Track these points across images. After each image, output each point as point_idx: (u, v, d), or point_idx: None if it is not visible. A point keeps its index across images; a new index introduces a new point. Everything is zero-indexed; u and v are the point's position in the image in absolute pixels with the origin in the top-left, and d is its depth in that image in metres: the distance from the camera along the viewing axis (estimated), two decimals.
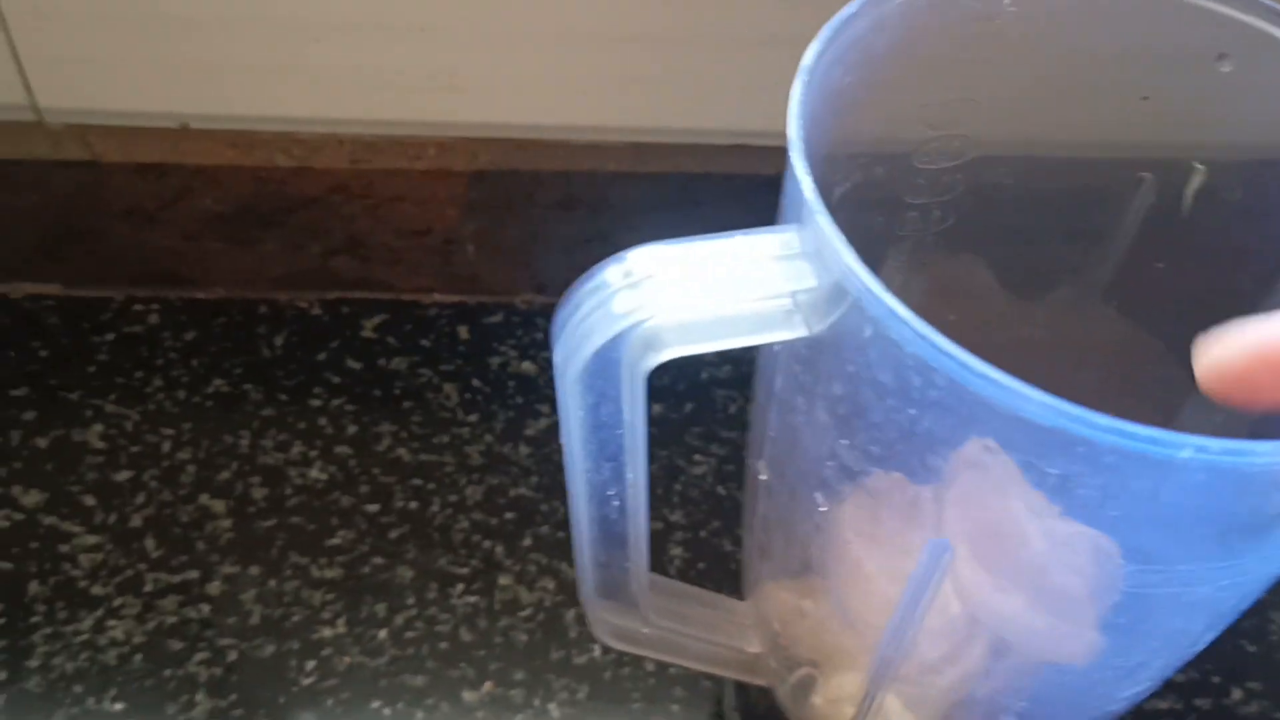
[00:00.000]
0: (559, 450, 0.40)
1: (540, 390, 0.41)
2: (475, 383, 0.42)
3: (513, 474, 0.39)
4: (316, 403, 0.41)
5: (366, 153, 0.39)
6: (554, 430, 0.40)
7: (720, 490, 0.39)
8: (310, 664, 0.35)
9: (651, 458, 0.40)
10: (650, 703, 0.35)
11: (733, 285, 0.20)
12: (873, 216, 0.27)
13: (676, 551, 0.38)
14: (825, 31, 0.21)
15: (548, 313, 0.43)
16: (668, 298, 0.20)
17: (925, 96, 0.25)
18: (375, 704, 0.35)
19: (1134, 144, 0.26)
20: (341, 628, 0.36)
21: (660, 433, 0.40)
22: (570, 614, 0.37)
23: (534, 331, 0.43)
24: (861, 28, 0.22)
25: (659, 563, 0.38)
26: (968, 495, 0.27)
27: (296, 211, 0.41)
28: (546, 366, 0.42)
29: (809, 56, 0.21)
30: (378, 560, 0.37)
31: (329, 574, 0.37)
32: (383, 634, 0.36)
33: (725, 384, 0.42)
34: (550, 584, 0.37)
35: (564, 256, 0.42)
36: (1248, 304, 0.26)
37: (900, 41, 0.23)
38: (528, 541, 0.38)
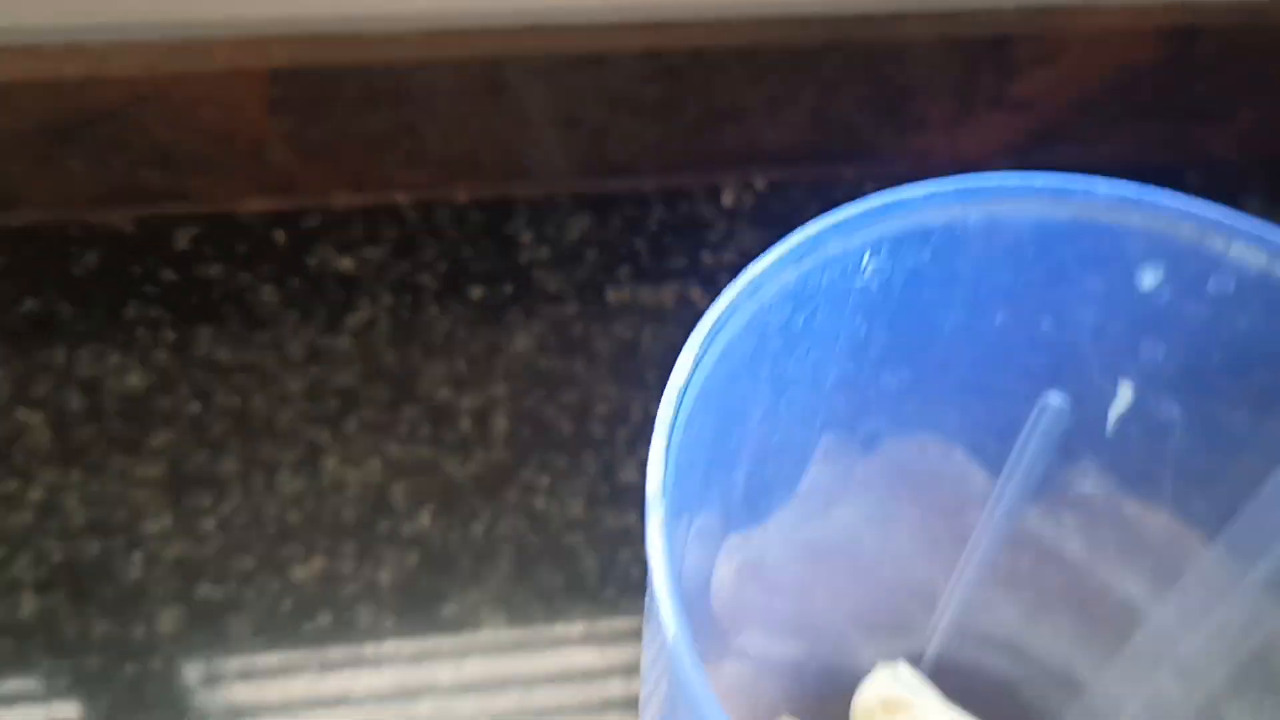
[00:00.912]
0: (380, 339, 0.41)
1: (359, 285, 0.42)
2: (294, 283, 0.42)
3: (335, 364, 0.40)
4: (133, 314, 0.41)
5: (159, 57, 0.39)
6: (373, 322, 0.41)
7: (542, 363, 0.40)
8: (137, 556, 0.35)
9: (472, 337, 0.40)
10: (478, 562, 0.36)
11: None
12: None
13: (501, 423, 0.39)
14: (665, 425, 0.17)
15: (365, 212, 0.44)
16: None
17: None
18: (205, 587, 0.35)
19: (1037, 369, 0.22)
20: (167, 521, 0.36)
21: (480, 314, 0.41)
22: (397, 488, 0.37)
23: (351, 230, 0.43)
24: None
25: (486, 434, 0.38)
26: None
27: (96, 125, 0.40)
28: (365, 263, 0.42)
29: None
30: (201, 456, 0.38)
31: (153, 472, 0.37)
32: (210, 523, 0.36)
33: (544, 265, 0.43)
34: (376, 462, 0.38)
35: (374, 153, 0.43)
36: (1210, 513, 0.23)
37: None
38: (352, 426, 0.39)
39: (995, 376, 0.22)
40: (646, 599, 0.18)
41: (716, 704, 0.13)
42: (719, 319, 0.17)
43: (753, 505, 0.22)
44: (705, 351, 0.17)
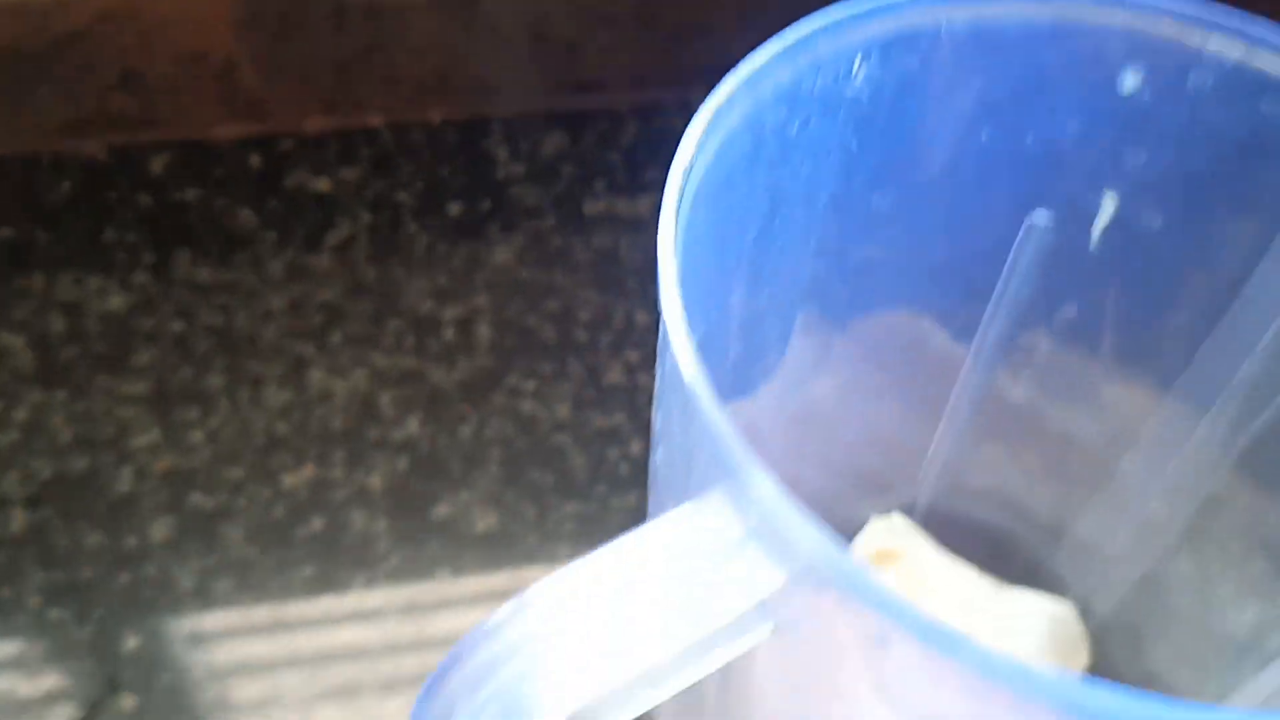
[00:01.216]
0: (361, 255, 0.41)
1: (338, 205, 0.42)
2: (272, 204, 0.42)
3: (317, 281, 0.40)
4: (111, 238, 0.40)
5: None
6: (353, 240, 0.41)
7: (523, 274, 0.40)
8: (126, 471, 0.35)
9: (452, 253, 0.40)
10: (469, 465, 0.36)
11: (678, 620, 0.14)
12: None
13: (485, 332, 0.39)
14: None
15: (340, 135, 0.44)
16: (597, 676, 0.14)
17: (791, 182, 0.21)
18: (195, 498, 0.35)
19: (1023, 187, 0.22)
20: (155, 436, 0.36)
21: (459, 230, 0.41)
22: (384, 396, 0.37)
23: (326, 152, 0.43)
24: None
25: (470, 343, 0.39)
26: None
27: (65, 49, 0.40)
28: (341, 183, 0.42)
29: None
30: (187, 373, 0.38)
31: (138, 389, 0.37)
32: (198, 436, 0.36)
33: (520, 181, 0.43)
34: (362, 373, 0.38)
35: (345, 74, 0.43)
36: (1187, 333, 0.23)
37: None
38: (337, 339, 0.39)
39: (980, 198, 0.22)
40: (658, 366, 0.18)
41: (736, 434, 0.14)
42: (720, 107, 0.17)
43: (738, 340, 0.23)
44: (707, 136, 0.17)
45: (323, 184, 0.42)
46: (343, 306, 0.39)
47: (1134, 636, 0.27)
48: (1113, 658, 0.27)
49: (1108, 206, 0.21)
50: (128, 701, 0.32)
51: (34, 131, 0.42)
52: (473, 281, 0.40)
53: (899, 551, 0.27)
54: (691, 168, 0.17)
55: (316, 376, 0.38)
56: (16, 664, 0.32)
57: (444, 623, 0.34)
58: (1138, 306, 0.23)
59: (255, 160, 0.43)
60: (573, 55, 0.44)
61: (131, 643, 0.33)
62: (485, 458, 0.37)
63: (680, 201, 0.16)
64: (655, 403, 0.19)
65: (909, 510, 0.29)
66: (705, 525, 0.15)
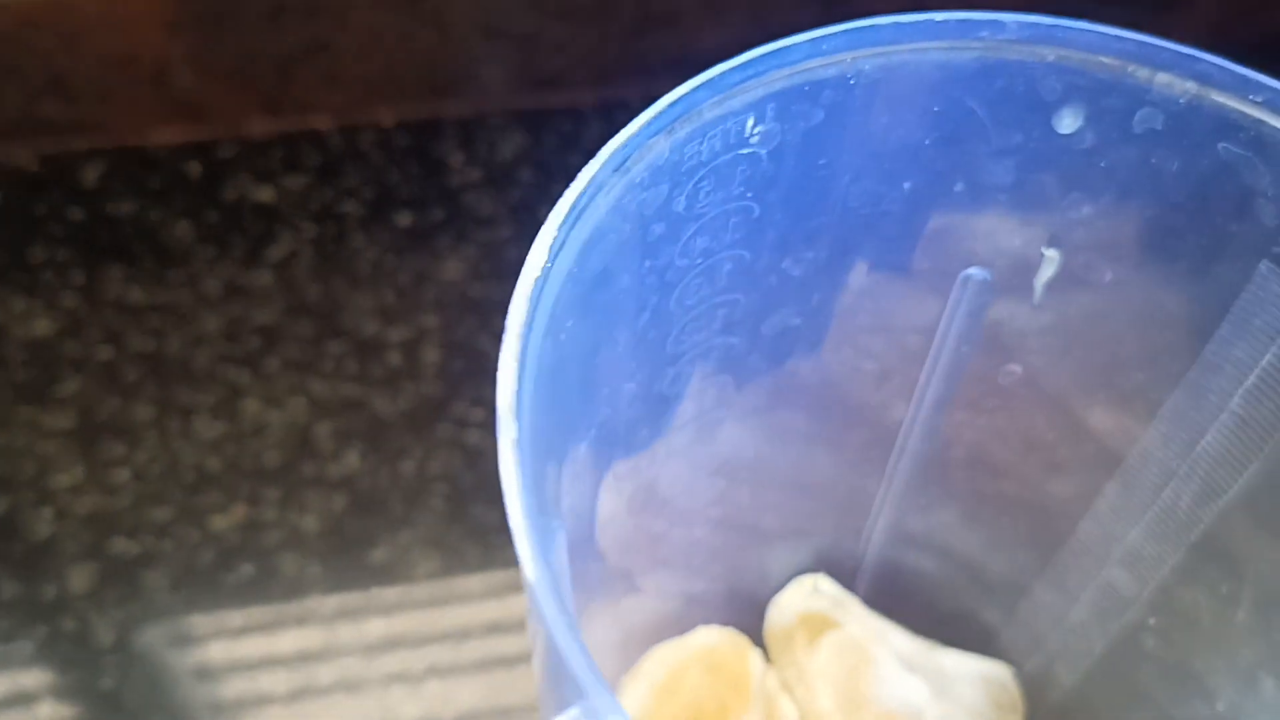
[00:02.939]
0: (303, 272, 0.38)
1: (280, 215, 0.39)
2: (210, 216, 0.39)
3: (255, 300, 0.38)
4: (39, 256, 0.38)
5: None
6: (296, 254, 0.38)
7: (475, 290, 0.38)
8: (47, 512, 0.33)
9: (399, 267, 0.38)
10: (410, 505, 0.34)
11: None
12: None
13: (432, 355, 0.37)
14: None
15: (284, 140, 0.41)
16: None
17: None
18: (120, 542, 0.33)
19: (959, 244, 0.20)
20: (78, 474, 0.34)
21: (409, 241, 0.39)
22: (323, 428, 0.35)
23: (269, 159, 0.41)
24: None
25: (416, 368, 0.36)
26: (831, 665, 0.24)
27: None
28: (285, 192, 0.40)
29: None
30: (114, 403, 0.35)
31: (62, 423, 0.35)
32: (123, 474, 0.34)
33: (475, 187, 0.40)
34: (300, 402, 0.36)
35: (287, 74, 0.40)
36: (1144, 396, 0.21)
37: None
38: (274, 365, 0.36)
39: (909, 254, 0.19)
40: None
41: (582, 649, 0.11)
42: (578, 199, 0.15)
43: (643, 424, 0.20)
44: (565, 238, 0.15)
45: (265, 193, 0.40)
46: (282, 328, 0.37)
47: (1099, 713, 0.24)
48: None
49: (1050, 261, 0.19)
50: None
51: None
52: (421, 299, 0.38)
53: (827, 618, 0.25)
54: (545, 279, 0.14)
55: (251, 406, 0.35)
56: None
57: (380, 669, 0.32)
58: (1088, 366, 0.20)
59: (194, 168, 0.40)
60: (529, 49, 0.41)
61: (46, 707, 0.31)
62: (429, 493, 0.34)
63: (530, 321, 0.14)
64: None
65: (855, 565, 0.26)
66: None
